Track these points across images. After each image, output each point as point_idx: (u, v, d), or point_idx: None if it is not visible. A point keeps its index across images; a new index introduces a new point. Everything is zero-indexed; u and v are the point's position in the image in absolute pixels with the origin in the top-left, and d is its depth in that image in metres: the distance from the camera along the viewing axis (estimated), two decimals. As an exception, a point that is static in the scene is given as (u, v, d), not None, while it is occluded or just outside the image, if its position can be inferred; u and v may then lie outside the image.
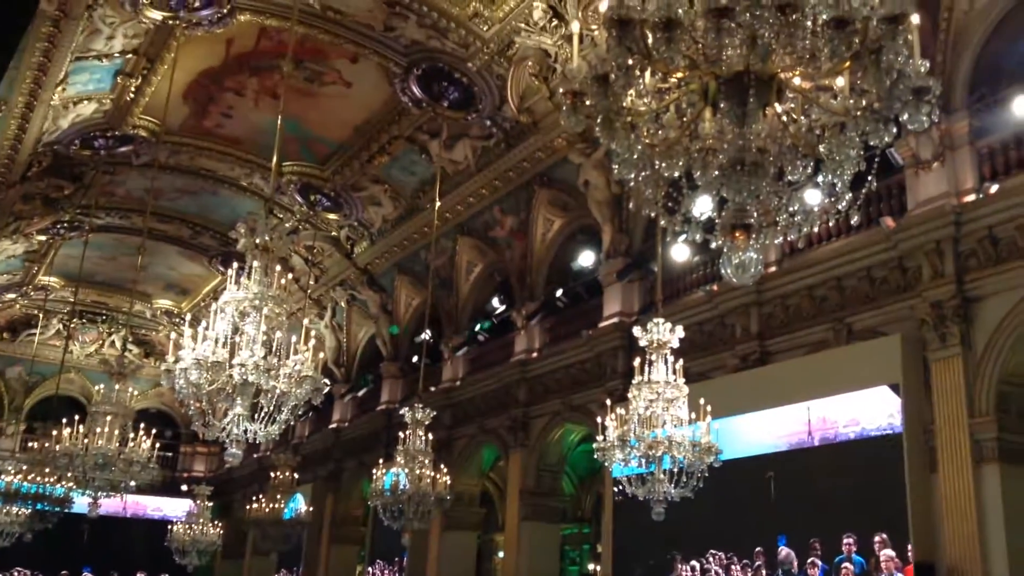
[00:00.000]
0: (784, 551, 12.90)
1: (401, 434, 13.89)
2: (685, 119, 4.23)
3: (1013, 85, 11.95)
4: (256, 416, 7.75)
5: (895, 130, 4.08)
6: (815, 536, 12.49)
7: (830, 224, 4.20)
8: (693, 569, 14.31)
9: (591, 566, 24.23)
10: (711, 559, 14.03)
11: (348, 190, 22.30)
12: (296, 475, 21.91)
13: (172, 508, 32.06)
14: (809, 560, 12.49)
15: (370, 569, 23.60)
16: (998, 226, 11.48)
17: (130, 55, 17.11)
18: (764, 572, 13.14)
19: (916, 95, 3.92)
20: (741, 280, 4.26)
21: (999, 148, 11.89)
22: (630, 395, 9.05)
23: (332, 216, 23.64)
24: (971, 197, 11.81)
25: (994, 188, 11.57)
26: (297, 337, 8.11)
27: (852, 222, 4.30)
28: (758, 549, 13.28)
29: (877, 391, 12.11)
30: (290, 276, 8.80)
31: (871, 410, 12.17)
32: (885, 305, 12.70)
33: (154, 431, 14.42)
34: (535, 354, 19.32)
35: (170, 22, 16.22)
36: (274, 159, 10.09)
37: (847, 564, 12.05)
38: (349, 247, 24.72)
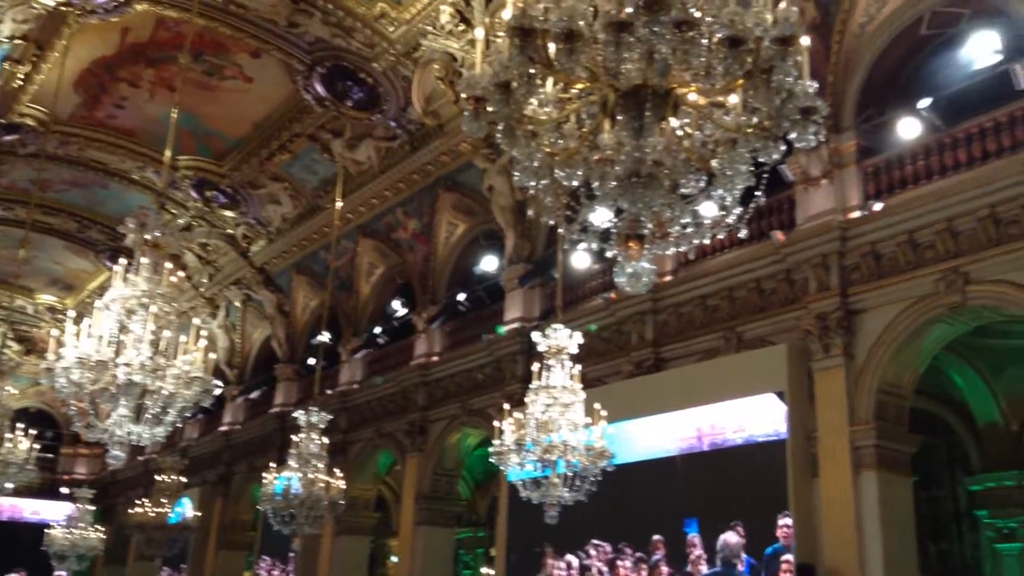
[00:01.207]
0: (733, 539, 11.77)
1: (295, 437, 13.64)
2: (584, 130, 4.29)
3: (899, 107, 12.49)
4: (141, 417, 7.52)
5: (784, 147, 4.21)
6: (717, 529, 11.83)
7: (723, 236, 4.30)
8: (569, 565, 13.73)
9: (484, 570, 24.24)
10: (592, 552, 13.57)
11: (246, 187, 21.81)
12: (183, 478, 21.27)
13: (51, 511, 30.67)
14: None
15: (259, 573, 23.09)
16: (881, 242, 11.97)
17: (19, 40, 16.40)
18: (664, 569, 12.71)
19: (804, 114, 4.06)
20: (634, 289, 4.33)
21: (884, 167, 12.39)
22: (528, 399, 9.11)
23: (228, 213, 23.08)
24: (856, 214, 12.28)
25: (878, 206, 12.07)
26: (187, 337, 7.90)
27: (741, 235, 4.43)
28: (657, 538, 12.83)
29: (764, 398, 12.46)
30: (182, 274, 8.58)
31: (759, 417, 12.50)
32: (773, 315, 13.11)
33: (33, 431, 13.89)
34: (435, 358, 19.26)
35: (63, 8, 15.61)
36: (166, 152, 9.81)
37: (789, 556, 11.12)
38: (246, 245, 24.17)
